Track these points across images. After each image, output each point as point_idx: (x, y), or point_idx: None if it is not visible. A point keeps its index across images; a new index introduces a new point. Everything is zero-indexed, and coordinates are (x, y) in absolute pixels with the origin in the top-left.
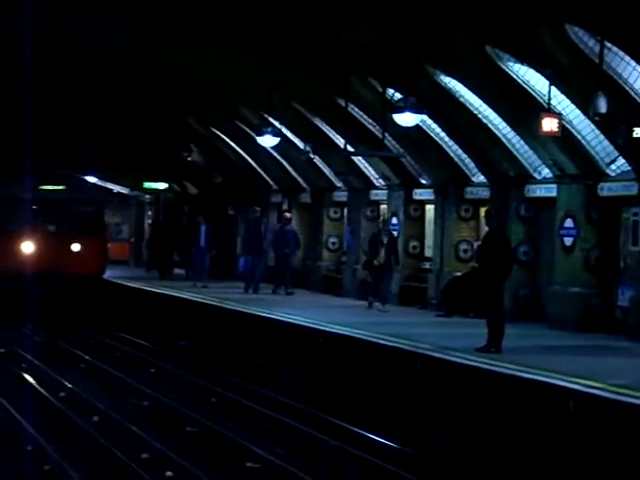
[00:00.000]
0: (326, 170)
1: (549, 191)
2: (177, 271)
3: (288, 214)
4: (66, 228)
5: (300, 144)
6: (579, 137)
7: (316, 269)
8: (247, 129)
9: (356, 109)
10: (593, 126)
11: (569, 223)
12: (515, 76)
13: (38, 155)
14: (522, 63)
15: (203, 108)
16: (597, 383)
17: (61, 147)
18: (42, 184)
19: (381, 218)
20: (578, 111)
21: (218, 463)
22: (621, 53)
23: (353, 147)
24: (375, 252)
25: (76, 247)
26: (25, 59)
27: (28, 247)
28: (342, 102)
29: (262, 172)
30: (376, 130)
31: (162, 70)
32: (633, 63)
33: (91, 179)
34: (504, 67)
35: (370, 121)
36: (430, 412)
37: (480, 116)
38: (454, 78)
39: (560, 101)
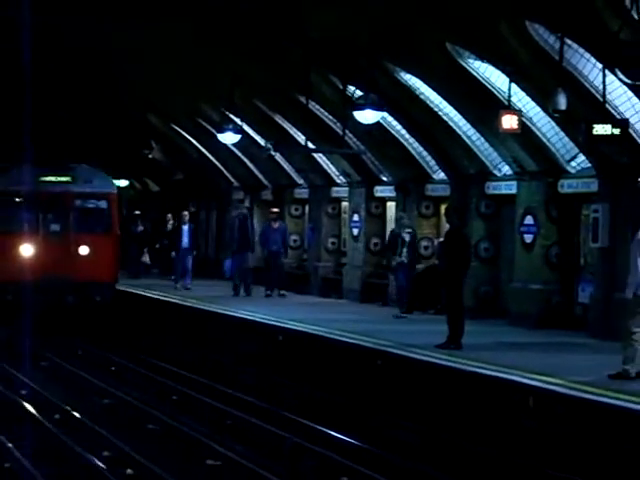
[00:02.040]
0: (287, 167)
1: (509, 188)
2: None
3: (275, 209)
4: (72, 227)
5: (261, 141)
6: (539, 134)
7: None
8: (208, 126)
9: (317, 106)
10: (553, 123)
11: (529, 220)
12: (475, 73)
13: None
14: (482, 60)
15: (164, 104)
16: (557, 379)
17: (18, 143)
18: (43, 174)
19: (402, 214)
20: (538, 108)
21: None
22: (581, 50)
23: (314, 144)
24: (395, 252)
25: (84, 250)
26: None
27: (27, 250)
28: (303, 99)
29: (223, 169)
30: (337, 127)
31: (122, 66)
32: (593, 60)
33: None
34: (464, 64)
35: (331, 118)
36: (391, 409)
37: (440, 113)
38: (415, 75)
39: (520, 98)
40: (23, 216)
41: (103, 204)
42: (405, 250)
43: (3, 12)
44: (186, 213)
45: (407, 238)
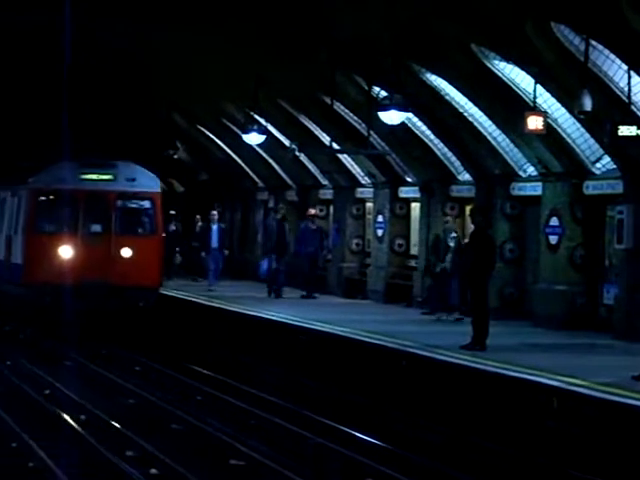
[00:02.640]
0: (312, 168)
1: (534, 189)
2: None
3: (313, 210)
4: (114, 228)
5: (286, 142)
6: (564, 135)
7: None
8: (233, 126)
9: (342, 107)
10: (578, 124)
11: (554, 221)
12: (501, 74)
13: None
14: (508, 61)
15: (189, 105)
16: (581, 381)
17: (45, 141)
18: (84, 172)
19: (447, 218)
20: (563, 109)
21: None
22: (606, 51)
23: (339, 145)
24: (439, 257)
25: (127, 252)
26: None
27: (67, 252)
28: (328, 99)
29: (248, 170)
30: (362, 128)
31: (148, 66)
32: (618, 61)
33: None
34: (490, 65)
35: (356, 119)
36: (416, 410)
37: (466, 114)
38: (440, 76)
39: (546, 99)
40: (62, 216)
41: (147, 204)
42: (450, 256)
43: (42, 15)
44: (215, 213)
45: (452, 243)
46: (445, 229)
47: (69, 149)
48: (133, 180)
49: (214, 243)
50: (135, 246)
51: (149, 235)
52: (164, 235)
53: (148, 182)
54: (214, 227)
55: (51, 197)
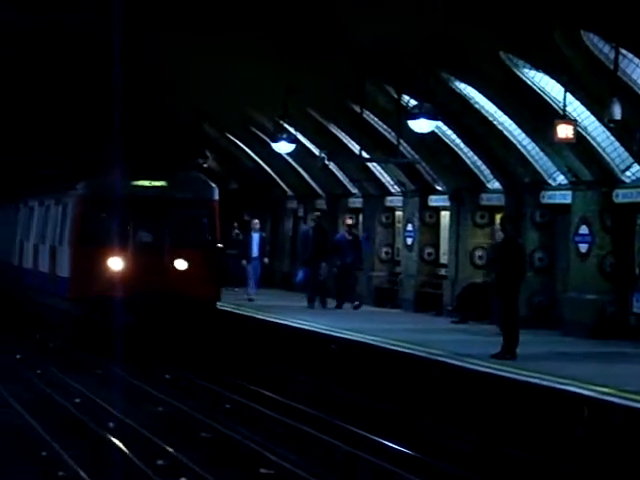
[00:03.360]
0: (341, 176)
1: (564, 198)
2: None
3: (350, 220)
4: (168, 238)
5: (315, 150)
6: (594, 144)
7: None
8: (262, 135)
9: (371, 115)
10: (608, 133)
11: (584, 230)
12: (530, 83)
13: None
14: (537, 70)
15: (218, 114)
16: (612, 390)
17: (77, 151)
18: (136, 178)
19: (497, 227)
20: (593, 118)
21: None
22: (636, 60)
23: (368, 153)
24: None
25: (182, 264)
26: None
27: (116, 264)
28: (357, 108)
29: (278, 178)
30: (391, 136)
31: (177, 75)
32: None
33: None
34: (519, 73)
35: (385, 127)
36: (446, 419)
37: (495, 122)
38: (469, 84)
39: (575, 108)
40: (112, 225)
41: (203, 212)
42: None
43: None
44: (257, 221)
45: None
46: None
47: (118, 154)
48: (188, 187)
49: (255, 252)
50: (191, 257)
51: (206, 246)
52: (222, 245)
53: (204, 189)
54: (255, 236)
55: (100, 205)
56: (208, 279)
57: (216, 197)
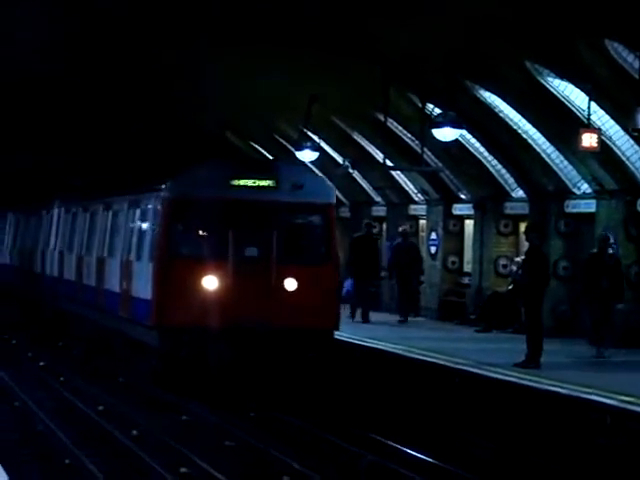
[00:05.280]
0: (365, 184)
1: (588, 206)
2: None
3: (404, 227)
4: (277, 252)
5: (339, 158)
6: (618, 153)
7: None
8: (286, 143)
9: (395, 123)
10: (632, 141)
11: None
12: (555, 91)
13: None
14: (562, 78)
15: (242, 122)
16: (635, 399)
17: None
18: (236, 177)
19: (602, 232)
20: (618, 127)
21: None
22: None
23: (392, 162)
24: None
25: (292, 284)
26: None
27: (212, 284)
28: (381, 116)
29: None
30: (415, 145)
31: (201, 84)
32: None
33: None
34: (543, 82)
35: (409, 136)
36: (469, 427)
37: (519, 131)
38: (493, 93)
39: (600, 116)
40: (207, 235)
41: (318, 219)
42: (605, 278)
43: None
44: None
45: (609, 262)
46: (602, 246)
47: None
48: (301, 187)
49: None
50: (303, 275)
51: (321, 261)
52: (340, 261)
53: (320, 190)
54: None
55: (193, 209)
56: (326, 302)
57: (333, 200)
